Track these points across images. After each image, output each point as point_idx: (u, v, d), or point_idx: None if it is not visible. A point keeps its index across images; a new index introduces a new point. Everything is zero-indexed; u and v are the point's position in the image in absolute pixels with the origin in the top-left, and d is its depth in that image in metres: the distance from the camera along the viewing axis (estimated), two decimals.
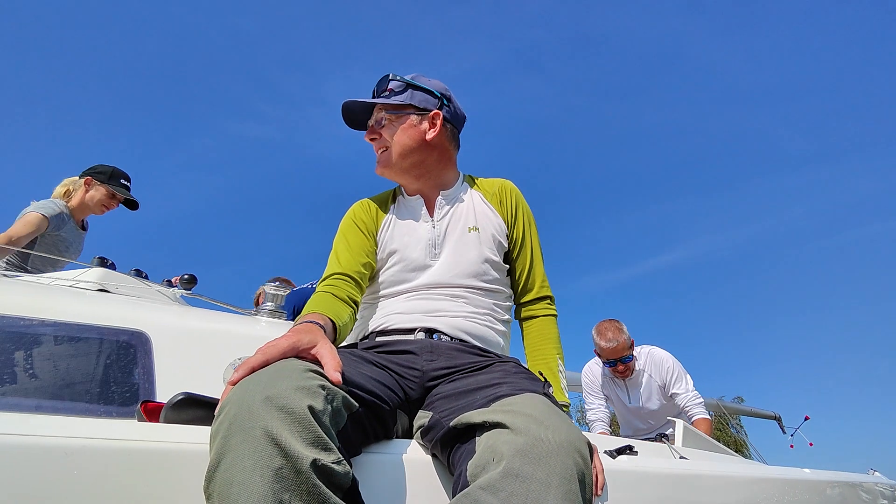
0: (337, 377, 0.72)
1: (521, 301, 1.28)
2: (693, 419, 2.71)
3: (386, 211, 1.27)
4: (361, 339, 1.14)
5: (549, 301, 1.29)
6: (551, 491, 0.63)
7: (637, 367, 2.82)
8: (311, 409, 0.62)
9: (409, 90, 1.21)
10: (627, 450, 1.01)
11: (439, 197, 1.24)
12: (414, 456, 0.83)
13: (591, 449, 0.76)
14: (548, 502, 0.62)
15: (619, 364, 2.76)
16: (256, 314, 1.58)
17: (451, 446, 0.79)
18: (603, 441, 1.18)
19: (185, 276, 1.95)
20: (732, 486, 1.14)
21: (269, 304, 1.58)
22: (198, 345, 1.23)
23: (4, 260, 2.28)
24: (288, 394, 0.62)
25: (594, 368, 2.99)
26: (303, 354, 0.76)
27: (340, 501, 0.61)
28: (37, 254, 2.27)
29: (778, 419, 6.73)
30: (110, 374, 1.10)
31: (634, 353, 2.81)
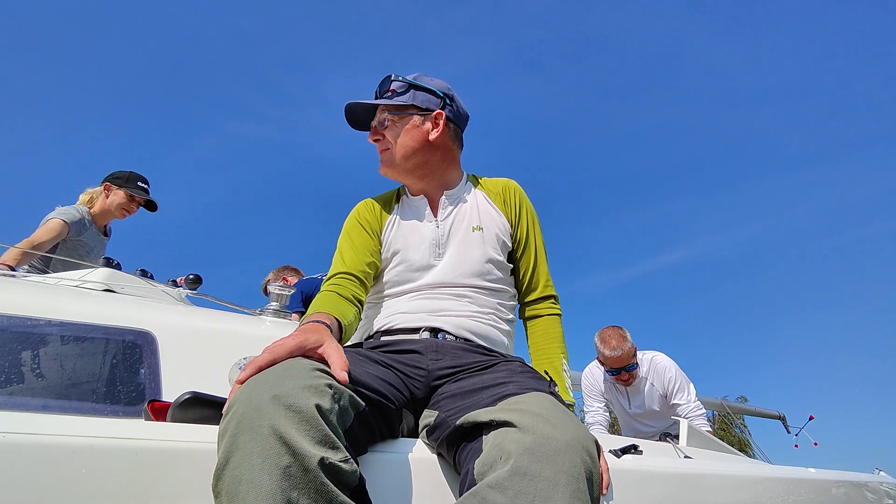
0: (343, 376, 0.72)
1: (526, 300, 1.28)
2: None
3: (390, 211, 1.27)
4: (366, 339, 1.14)
5: (553, 300, 1.29)
6: (559, 489, 0.63)
7: (639, 375, 2.78)
8: (318, 407, 0.62)
9: (412, 90, 1.21)
10: (632, 449, 1.01)
11: (443, 197, 1.25)
12: (420, 455, 0.83)
13: (599, 447, 0.76)
14: (556, 500, 0.62)
15: (624, 372, 2.71)
16: (261, 314, 1.58)
17: (457, 445, 0.80)
18: (608, 440, 1.18)
19: (191, 276, 1.96)
20: (737, 486, 1.14)
21: (274, 303, 1.58)
22: (203, 344, 1.23)
23: (27, 264, 2.33)
24: (295, 392, 0.63)
25: (595, 372, 2.95)
26: (309, 354, 0.76)
27: (348, 500, 0.61)
28: (58, 257, 2.30)
29: (782, 419, 6.71)
30: (116, 373, 1.11)
31: (637, 361, 2.76)
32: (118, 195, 2.55)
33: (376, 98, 1.25)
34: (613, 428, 3.76)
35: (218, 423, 0.65)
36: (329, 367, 0.74)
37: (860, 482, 1.68)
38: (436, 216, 1.23)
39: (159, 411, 0.83)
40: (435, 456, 0.84)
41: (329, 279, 1.12)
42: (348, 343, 1.11)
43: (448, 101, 1.24)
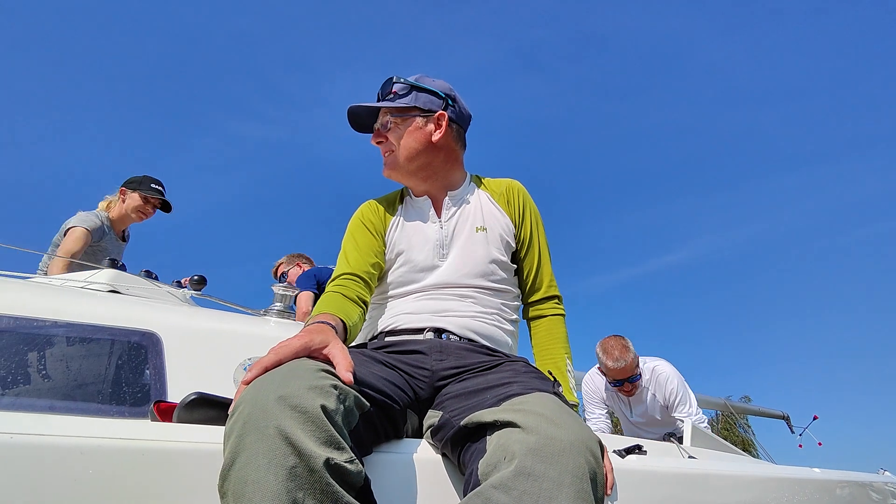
0: (349, 377, 0.72)
1: (529, 301, 1.28)
2: None
3: (394, 212, 1.27)
4: (371, 339, 1.14)
5: (556, 300, 1.29)
6: (563, 489, 0.63)
7: (641, 385, 2.75)
8: (323, 408, 0.63)
9: (413, 92, 1.21)
10: (636, 449, 1.01)
11: (447, 197, 1.25)
12: (424, 455, 0.83)
13: (603, 448, 0.76)
14: (560, 501, 0.62)
15: (627, 384, 2.68)
16: (265, 314, 1.59)
17: (461, 445, 0.80)
18: (611, 440, 1.18)
19: (195, 277, 1.97)
20: (741, 486, 1.14)
21: (278, 304, 1.59)
22: (208, 345, 1.24)
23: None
24: (301, 393, 0.63)
25: (596, 379, 2.92)
26: (315, 354, 0.77)
27: (353, 500, 0.61)
28: (78, 261, 2.33)
29: (786, 419, 6.70)
30: (122, 374, 1.11)
31: (640, 371, 2.72)
32: (133, 198, 2.60)
33: (378, 100, 1.25)
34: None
35: (224, 424, 0.66)
36: (334, 368, 0.74)
37: (865, 482, 1.67)
38: (439, 217, 1.23)
39: (165, 412, 0.84)
40: (439, 456, 0.85)
41: (333, 280, 1.12)
42: (353, 343, 1.12)
43: (450, 102, 1.24)
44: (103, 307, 1.22)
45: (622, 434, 3.08)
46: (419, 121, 1.20)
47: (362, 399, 0.74)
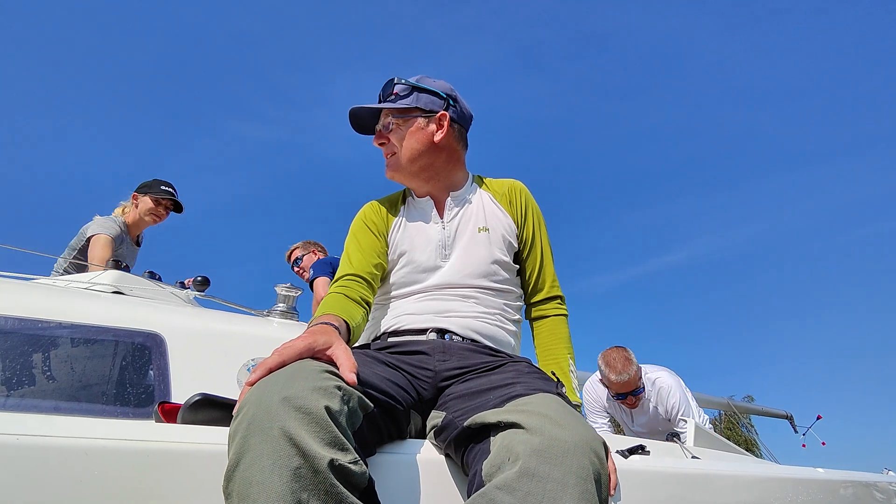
0: (352, 378, 0.72)
1: (532, 301, 1.28)
2: None
3: (396, 212, 1.27)
4: (374, 340, 1.14)
5: (559, 301, 1.29)
6: (568, 490, 0.63)
7: (643, 397, 2.71)
8: (327, 409, 0.63)
9: (415, 93, 1.21)
10: (639, 449, 1.01)
11: (449, 198, 1.25)
12: (428, 456, 0.84)
13: (607, 449, 0.76)
14: (564, 502, 0.62)
15: (630, 397, 2.64)
16: (269, 315, 1.59)
17: (465, 446, 0.80)
18: (615, 441, 1.18)
19: (198, 278, 1.98)
20: (745, 486, 1.14)
21: (281, 304, 1.59)
22: (211, 346, 1.24)
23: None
24: (305, 394, 0.63)
25: (597, 387, 2.87)
26: (318, 355, 0.77)
27: (357, 501, 0.62)
28: (92, 265, 2.36)
29: (790, 418, 6.68)
30: (126, 375, 1.12)
31: (643, 384, 2.68)
32: (145, 202, 2.63)
33: (379, 102, 1.25)
34: None
35: (228, 425, 0.66)
36: (338, 369, 0.75)
37: (869, 482, 1.67)
38: (442, 218, 1.23)
39: (170, 413, 0.84)
40: (443, 457, 0.85)
41: (336, 281, 1.13)
42: (356, 344, 1.12)
43: (451, 102, 1.24)
44: (107, 308, 1.23)
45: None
46: (421, 121, 1.21)
47: (366, 400, 0.75)
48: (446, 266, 1.17)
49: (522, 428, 0.71)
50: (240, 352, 1.23)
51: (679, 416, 2.64)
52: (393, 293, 1.19)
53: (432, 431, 0.88)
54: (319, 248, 3.29)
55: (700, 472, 1.07)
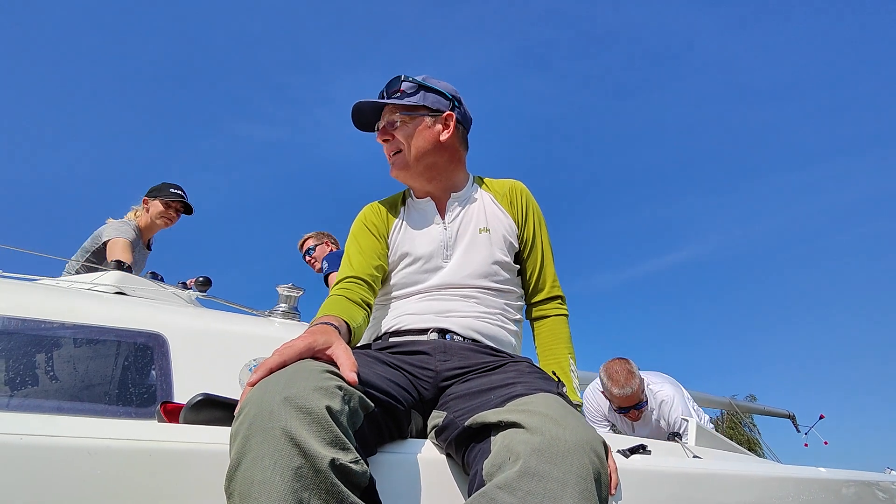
0: (353, 377, 0.73)
1: (533, 301, 1.28)
2: None
3: (396, 214, 1.27)
4: (375, 340, 1.15)
5: (560, 301, 1.29)
6: (568, 490, 0.63)
7: (646, 411, 2.66)
8: (328, 409, 0.63)
9: (422, 91, 1.21)
10: (641, 449, 1.01)
11: (450, 199, 1.25)
12: (429, 455, 0.84)
13: (607, 448, 0.76)
14: (565, 501, 0.62)
15: (633, 410, 2.58)
16: (270, 315, 1.59)
17: (465, 446, 0.80)
18: (616, 440, 1.18)
19: (200, 279, 1.98)
20: (746, 486, 1.13)
21: (283, 305, 1.59)
22: (213, 346, 1.25)
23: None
24: (306, 394, 0.63)
25: (598, 397, 2.82)
26: (318, 355, 0.77)
27: (358, 500, 0.62)
28: (90, 265, 2.37)
29: (792, 418, 6.67)
30: (129, 375, 1.12)
31: (646, 397, 2.61)
32: (155, 206, 2.65)
33: (384, 98, 1.24)
34: None
35: (230, 425, 0.66)
36: (338, 369, 0.75)
37: (871, 482, 1.66)
38: (443, 218, 1.23)
39: (172, 413, 0.84)
40: (444, 457, 0.85)
41: (337, 283, 1.13)
42: (357, 345, 1.12)
43: (456, 104, 1.25)
44: (110, 309, 1.23)
45: None
46: (428, 120, 1.21)
47: (367, 400, 0.75)
48: (447, 266, 1.17)
49: (523, 427, 0.71)
50: (241, 352, 1.23)
51: (683, 430, 2.62)
52: (394, 294, 1.19)
53: (433, 431, 0.89)
54: (332, 240, 3.28)
55: (701, 472, 1.07)
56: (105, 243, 2.41)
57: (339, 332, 0.88)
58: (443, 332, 1.08)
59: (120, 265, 1.79)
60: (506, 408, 0.78)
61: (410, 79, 1.22)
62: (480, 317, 1.11)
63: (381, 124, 1.24)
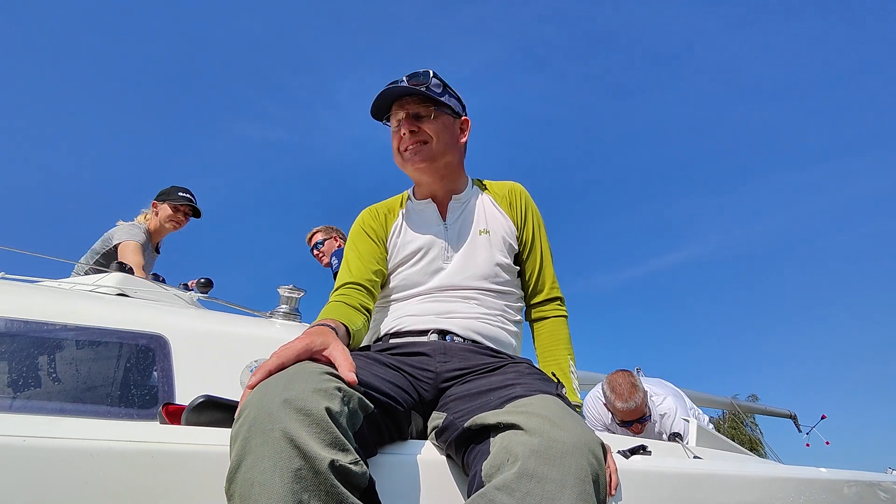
0: (352, 377, 0.73)
1: (532, 302, 1.28)
2: None
3: (395, 216, 1.28)
4: (374, 342, 1.15)
5: (559, 302, 1.29)
6: (566, 491, 0.63)
7: (649, 425, 2.62)
8: (328, 410, 0.63)
9: (447, 93, 1.23)
10: (641, 449, 1.01)
11: (452, 201, 1.26)
12: (429, 456, 0.84)
13: (605, 449, 0.76)
14: (563, 502, 0.63)
15: (637, 424, 2.54)
16: (272, 316, 1.60)
17: (465, 447, 0.80)
18: (616, 441, 1.18)
19: (202, 280, 1.99)
20: (747, 486, 1.13)
21: (284, 306, 1.59)
22: (215, 347, 1.25)
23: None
24: (306, 396, 0.64)
25: (599, 407, 2.78)
26: (316, 356, 0.78)
27: (358, 501, 0.62)
28: (95, 266, 2.37)
29: (793, 418, 6.65)
30: (131, 377, 1.13)
31: (650, 411, 2.58)
32: (164, 209, 2.67)
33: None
34: None
35: (231, 426, 0.67)
36: (337, 370, 0.75)
37: (873, 482, 1.66)
38: (444, 220, 1.24)
39: (174, 414, 0.85)
40: (443, 458, 0.85)
41: (336, 290, 1.13)
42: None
43: (466, 111, 1.28)
44: (112, 310, 1.24)
45: None
46: (450, 120, 1.23)
47: (366, 401, 0.75)
48: (448, 268, 1.17)
49: (522, 429, 0.71)
50: (243, 353, 1.23)
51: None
52: (394, 295, 1.19)
53: (433, 432, 0.89)
54: (340, 235, 3.26)
55: (702, 472, 1.07)
56: (115, 246, 2.42)
57: (337, 334, 0.89)
58: (443, 333, 1.08)
59: (122, 267, 1.79)
60: (505, 409, 0.78)
61: (439, 77, 1.22)
62: (481, 318, 1.12)
63: (407, 113, 1.19)
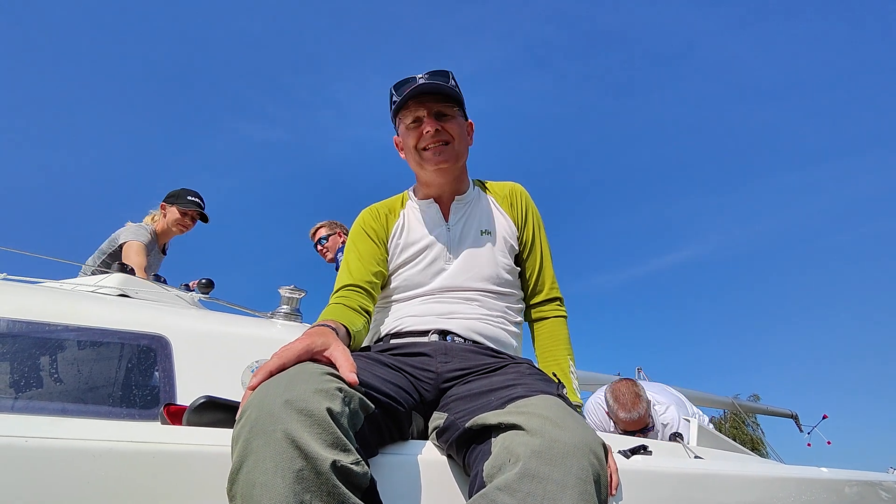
0: (353, 378, 0.73)
1: (532, 303, 1.28)
2: None
3: (396, 216, 1.28)
4: (375, 342, 1.15)
5: (559, 302, 1.29)
6: (567, 491, 0.63)
7: (651, 435, 2.59)
8: (329, 411, 0.64)
9: (461, 97, 1.23)
10: (642, 449, 1.01)
11: (455, 202, 1.26)
12: (430, 457, 0.84)
13: (606, 449, 0.76)
14: (564, 502, 0.63)
15: (639, 434, 2.47)
16: (272, 317, 1.60)
17: (466, 447, 0.80)
18: (617, 441, 1.18)
19: (203, 281, 1.99)
20: (748, 486, 1.13)
21: (285, 307, 1.60)
22: (216, 347, 1.25)
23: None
24: (307, 397, 0.64)
25: (600, 413, 2.74)
26: (317, 357, 0.78)
27: (359, 502, 0.62)
28: (98, 268, 2.38)
29: (795, 417, 6.65)
30: (132, 377, 1.13)
31: (653, 421, 2.55)
32: (172, 212, 2.67)
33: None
34: None
35: (232, 427, 0.67)
36: (337, 370, 0.75)
37: (874, 481, 1.66)
38: (447, 221, 1.24)
39: (175, 415, 0.85)
40: (444, 458, 0.85)
41: (336, 292, 1.13)
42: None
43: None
44: (113, 311, 1.24)
45: None
46: (464, 122, 1.24)
47: (367, 401, 0.75)
48: (450, 269, 1.17)
49: (523, 429, 0.71)
50: (244, 354, 1.24)
51: None
52: (395, 296, 1.19)
53: (434, 432, 0.89)
54: (344, 230, 3.24)
55: (703, 472, 1.07)
56: (121, 246, 2.43)
57: (338, 334, 0.89)
58: (444, 333, 1.08)
59: (123, 267, 1.80)
60: (506, 410, 0.78)
61: (455, 80, 1.22)
62: (482, 318, 1.12)
63: (429, 111, 1.17)
